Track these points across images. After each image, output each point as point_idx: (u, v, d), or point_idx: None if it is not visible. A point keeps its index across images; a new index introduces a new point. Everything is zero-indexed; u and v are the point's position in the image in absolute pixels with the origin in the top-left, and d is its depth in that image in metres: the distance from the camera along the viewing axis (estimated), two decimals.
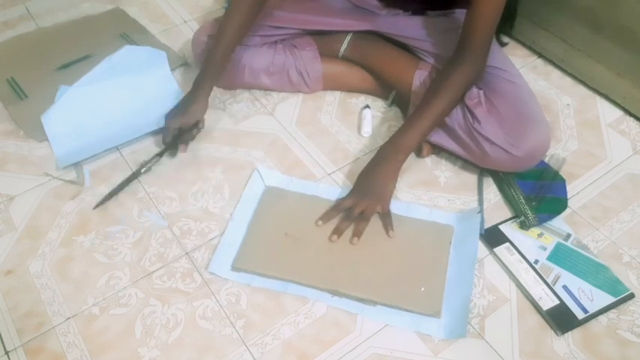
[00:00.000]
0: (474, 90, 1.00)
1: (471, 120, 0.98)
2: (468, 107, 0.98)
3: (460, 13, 1.10)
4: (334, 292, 0.89)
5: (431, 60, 1.08)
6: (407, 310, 0.88)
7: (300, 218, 0.98)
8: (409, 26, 1.11)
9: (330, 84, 1.22)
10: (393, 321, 0.87)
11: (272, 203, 1.01)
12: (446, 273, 0.92)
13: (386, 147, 0.96)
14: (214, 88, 1.24)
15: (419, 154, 1.10)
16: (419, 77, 1.07)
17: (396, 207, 0.99)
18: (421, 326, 0.86)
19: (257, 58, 1.16)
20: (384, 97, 1.21)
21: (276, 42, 1.17)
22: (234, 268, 0.93)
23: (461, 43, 0.96)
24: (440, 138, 1.05)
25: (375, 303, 0.89)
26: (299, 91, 1.22)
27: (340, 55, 1.18)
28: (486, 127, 0.96)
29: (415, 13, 1.11)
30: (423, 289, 0.89)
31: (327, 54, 1.18)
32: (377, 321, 0.88)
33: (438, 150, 1.10)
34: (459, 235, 0.97)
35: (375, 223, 0.97)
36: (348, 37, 1.17)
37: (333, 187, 1.06)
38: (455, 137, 1.03)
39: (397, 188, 1.05)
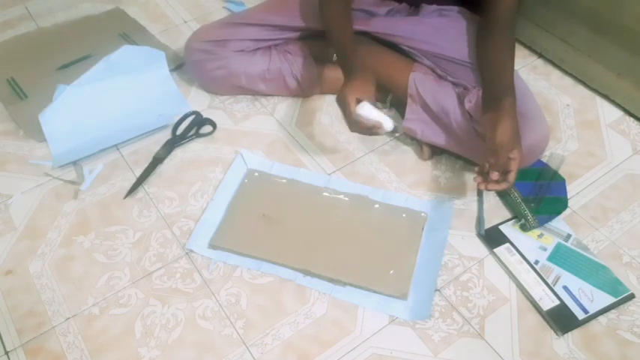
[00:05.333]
0: (474, 90, 1.00)
1: (470, 120, 0.98)
2: (467, 110, 0.99)
3: (454, 11, 1.10)
4: (306, 272, 0.93)
5: (425, 61, 1.08)
6: (375, 292, 0.90)
7: (278, 200, 1.03)
8: (403, 27, 1.10)
9: (327, 88, 1.22)
10: (361, 302, 0.90)
11: (252, 185, 1.05)
12: (416, 257, 0.95)
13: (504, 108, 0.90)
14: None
15: (420, 156, 1.10)
16: (414, 80, 1.07)
17: (373, 193, 1.04)
18: (388, 307, 0.89)
19: (253, 64, 1.16)
20: (381, 100, 1.21)
21: (270, 48, 1.17)
22: (211, 245, 0.96)
23: (493, 18, 0.99)
24: (440, 139, 1.06)
25: (344, 284, 0.91)
26: (296, 96, 1.22)
27: (334, 58, 1.18)
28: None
29: (410, 4, 1.11)
30: (392, 271, 0.93)
31: (322, 58, 1.18)
32: (346, 301, 0.90)
33: (439, 152, 1.10)
34: (432, 222, 1.00)
35: (351, 207, 1.01)
36: None
37: (312, 172, 1.08)
38: (455, 137, 1.03)
39: (398, 188, 1.06)
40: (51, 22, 1.44)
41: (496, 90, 0.94)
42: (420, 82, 1.06)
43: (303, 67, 1.17)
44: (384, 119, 0.89)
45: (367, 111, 0.89)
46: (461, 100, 1.01)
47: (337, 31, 1.02)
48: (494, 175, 0.87)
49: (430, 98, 1.04)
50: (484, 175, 0.89)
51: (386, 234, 0.98)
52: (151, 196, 1.05)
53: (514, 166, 0.87)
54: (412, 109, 1.07)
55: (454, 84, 1.04)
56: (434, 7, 1.10)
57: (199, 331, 0.87)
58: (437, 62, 1.06)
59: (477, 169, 0.91)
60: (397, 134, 0.88)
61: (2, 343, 0.87)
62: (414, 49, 1.10)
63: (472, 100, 0.99)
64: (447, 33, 1.07)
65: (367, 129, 0.92)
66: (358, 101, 0.91)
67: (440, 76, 1.06)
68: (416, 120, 1.07)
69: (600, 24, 1.14)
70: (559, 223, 0.99)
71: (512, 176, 0.87)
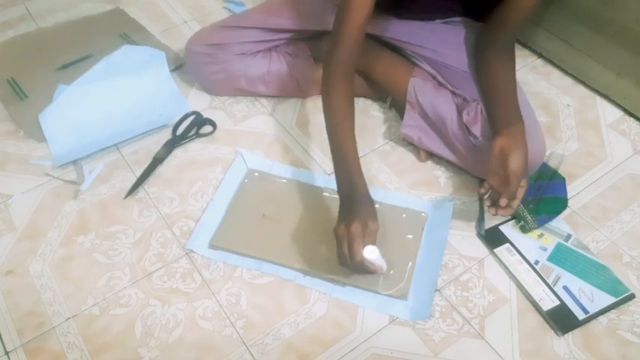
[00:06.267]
0: (472, 103, 1.00)
1: (468, 134, 0.98)
2: (464, 123, 0.99)
3: (458, 22, 1.10)
4: (306, 272, 0.93)
5: (426, 66, 1.08)
6: (375, 292, 0.90)
7: (278, 201, 1.02)
8: (406, 31, 1.10)
9: None
10: (362, 302, 0.90)
11: (252, 185, 1.05)
12: (416, 258, 0.95)
13: (512, 131, 0.90)
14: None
15: (418, 159, 1.11)
16: (413, 86, 1.07)
17: (373, 193, 1.02)
18: (388, 308, 0.89)
19: (253, 67, 1.15)
20: (381, 100, 1.21)
21: (270, 49, 1.16)
22: (212, 245, 0.96)
23: (499, 35, 0.97)
24: (437, 147, 1.05)
25: (344, 284, 0.91)
26: (296, 97, 1.22)
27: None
28: (483, 141, 0.96)
29: (411, 20, 1.11)
30: (392, 271, 0.92)
31: (322, 58, 1.18)
32: (346, 301, 0.90)
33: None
34: (432, 222, 1.00)
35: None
36: None
37: (312, 172, 1.08)
38: (452, 147, 1.03)
39: (398, 188, 1.06)
40: (51, 22, 1.44)
41: (505, 115, 0.93)
42: (419, 88, 1.06)
43: (303, 68, 1.17)
44: (384, 263, 0.84)
45: (376, 257, 0.82)
46: (459, 111, 1.00)
47: (340, 133, 0.91)
48: (504, 202, 0.88)
49: (428, 106, 1.04)
50: (492, 200, 0.90)
51: (386, 234, 0.97)
52: (151, 196, 1.05)
53: (521, 194, 0.89)
54: (410, 116, 1.07)
55: (453, 94, 1.03)
56: (437, 21, 1.10)
57: (199, 331, 0.87)
58: (438, 69, 1.06)
59: (482, 189, 0.91)
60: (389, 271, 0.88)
61: (2, 343, 0.87)
62: (415, 54, 1.09)
63: (470, 113, 0.99)
64: (450, 41, 1.07)
65: (365, 270, 0.84)
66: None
67: (440, 84, 1.06)
68: (414, 127, 1.07)
69: (600, 24, 1.14)
70: (559, 223, 0.99)
71: (516, 203, 0.89)
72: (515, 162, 0.87)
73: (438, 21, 1.09)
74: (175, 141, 1.13)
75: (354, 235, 0.81)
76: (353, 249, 0.81)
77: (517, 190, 0.88)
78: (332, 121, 0.93)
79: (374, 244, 0.82)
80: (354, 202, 0.86)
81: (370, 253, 0.82)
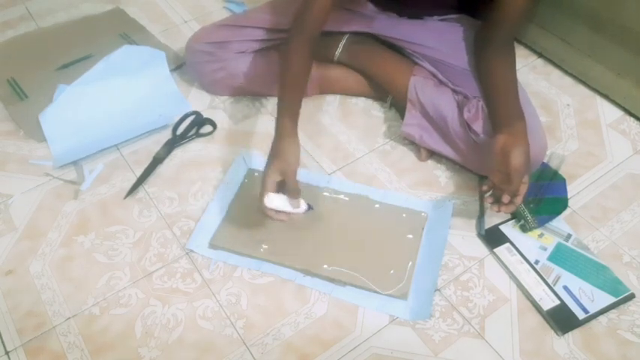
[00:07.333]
0: (473, 100, 1.00)
1: (469, 131, 0.98)
2: (465, 120, 0.99)
3: (457, 18, 1.10)
4: (306, 272, 0.93)
5: (426, 65, 1.08)
6: (375, 292, 0.91)
7: None
8: (406, 29, 1.10)
9: (327, 88, 1.21)
10: (361, 302, 0.90)
11: (252, 185, 1.05)
12: (416, 257, 0.95)
13: (513, 132, 0.91)
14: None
15: (418, 158, 1.11)
16: (414, 84, 1.07)
17: (373, 193, 1.04)
18: (388, 307, 0.89)
19: (253, 66, 1.15)
20: (382, 100, 1.21)
21: (270, 49, 1.16)
22: (212, 245, 0.96)
23: (497, 33, 0.97)
24: (438, 146, 1.06)
25: (344, 284, 0.92)
26: None
27: (335, 59, 1.18)
28: (484, 138, 0.97)
29: (411, 17, 1.11)
30: (392, 271, 0.92)
31: (323, 58, 1.18)
32: (346, 301, 0.90)
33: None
34: (432, 222, 1.00)
35: (351, 207, 1.01)
36: (343, 41, 1.16)
37: (312, 172, 1.08)
38: (453, 145, 1.03)
39: (398, 188, 1.06)
40: (51, 22, 1.44)
41: (506, 113, 0.93)
42: (420, 87, 1.06)
43: None
44: (297, 206, 0.87)
45: (277, 204, 0.85)
46: (460, 108, 1.00)
47: (291, 90, 0.95)
48: (506, 199, 0.88)
49: (429, 104, 1.04)
50: (495, 197, 0.90)
51: (386, 234, 0.98)
52: (151, 196, 1.05)
53: (523, 191, 0.89)
54: (411, 114, 1.07)
55: (454, 91, 1.03)
56: (435, 18, 1.10)
57: (200, 331, 0.87)
58: (438, 67, 1.06)
59: (484, 187, 0.92)
60: (312, 210, 0.89)
61: (2, 343, 0.87)
62: (416, 53, 1.09)
63: (471, 110, 0.99)
64: (450, 39, 1.07)
65: (275, 217, 0.87)
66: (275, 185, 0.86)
67: (440, 82, 1.06)
68: (415, 125, 1.07)
69: (600, 23, 1.14)
70: (559, 222, 0.99)
71: (519, 200, 0.89)
72: (517, 159, 0.87)
73: (436, 18, 1.10)
74: (175, 141, 1.13)
75: (263, 183, 0.85)
76: (261, 195, 0.85)
77: (519, 187, 0.88)
78: (286, 79, 0.95)
79: (297, 194, 0.86)
80: (280, 131, 0.90)
81: (269, 202, 0.85)
